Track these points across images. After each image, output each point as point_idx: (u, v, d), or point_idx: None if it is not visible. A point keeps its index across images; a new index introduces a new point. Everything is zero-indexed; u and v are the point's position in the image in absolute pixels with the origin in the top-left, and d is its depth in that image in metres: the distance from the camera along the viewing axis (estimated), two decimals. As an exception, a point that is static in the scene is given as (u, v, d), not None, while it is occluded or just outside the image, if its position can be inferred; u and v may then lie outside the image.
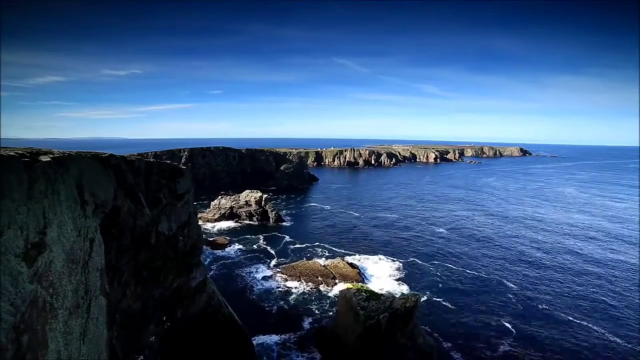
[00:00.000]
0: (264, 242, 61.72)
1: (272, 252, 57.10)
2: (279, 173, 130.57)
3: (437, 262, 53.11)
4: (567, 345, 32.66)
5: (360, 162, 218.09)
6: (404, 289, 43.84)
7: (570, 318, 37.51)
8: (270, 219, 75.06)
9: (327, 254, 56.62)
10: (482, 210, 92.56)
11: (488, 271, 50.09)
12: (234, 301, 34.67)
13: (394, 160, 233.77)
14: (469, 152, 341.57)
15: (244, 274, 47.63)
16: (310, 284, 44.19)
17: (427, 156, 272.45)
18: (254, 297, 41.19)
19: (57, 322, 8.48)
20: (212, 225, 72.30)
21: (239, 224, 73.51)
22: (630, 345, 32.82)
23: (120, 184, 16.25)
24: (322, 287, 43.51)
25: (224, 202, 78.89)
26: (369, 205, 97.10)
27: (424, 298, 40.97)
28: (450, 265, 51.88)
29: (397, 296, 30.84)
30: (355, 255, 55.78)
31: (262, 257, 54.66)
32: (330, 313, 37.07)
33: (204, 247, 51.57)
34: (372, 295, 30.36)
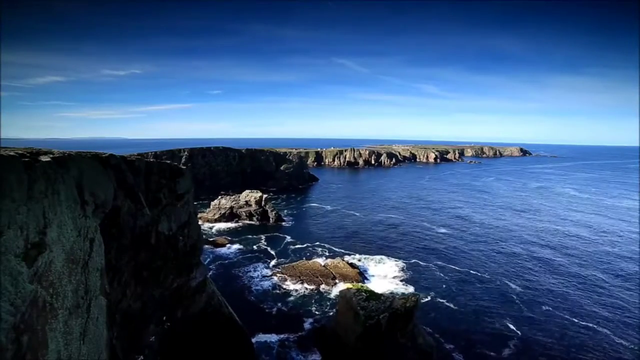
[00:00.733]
0: (264, 242, 61.71)
1: (272, 252, 57.10)
2: (279, 173, 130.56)
3: (437, 262, 53.10)
4: (570, 346, 32.50)
5: (360, 162, 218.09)
6: (404, 289, 43.83)
7: (575, 319, 37.28)
8: (270, 219, 75.06)
9: (327, 253, 56.61)
10: (482, 211, 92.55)
11: (489, 271, 50.09)
12: (234, 301, 34.69)
13: (394, 160, 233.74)
14: (469, 152, 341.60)
15: (244, 274, 47.63)
16: (310, 284, 44.18)
17: (427, 156, 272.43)
18: (254, 297, 41.19)
19: (57, 322, 8.48)
20: (212, 225, 72.29)
21: (239, 224, 73.50)
22: (633, 346, 32.74)
23: (120, 184, 16.25)
24: (322, 287, 43.50)
25: (224, 202, 78.87)
26: (369, 205, 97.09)
27: (425, 298, 40.97)
28: (451, 266, 51.87)
29: (397, 296, 30.84)
30: (355, 255, 55.77)
31: (262, 257, 54.66)
32: (330, 313, 37.07)
33: (204, 247, 51.57)
34: (372, 295, 30.35)
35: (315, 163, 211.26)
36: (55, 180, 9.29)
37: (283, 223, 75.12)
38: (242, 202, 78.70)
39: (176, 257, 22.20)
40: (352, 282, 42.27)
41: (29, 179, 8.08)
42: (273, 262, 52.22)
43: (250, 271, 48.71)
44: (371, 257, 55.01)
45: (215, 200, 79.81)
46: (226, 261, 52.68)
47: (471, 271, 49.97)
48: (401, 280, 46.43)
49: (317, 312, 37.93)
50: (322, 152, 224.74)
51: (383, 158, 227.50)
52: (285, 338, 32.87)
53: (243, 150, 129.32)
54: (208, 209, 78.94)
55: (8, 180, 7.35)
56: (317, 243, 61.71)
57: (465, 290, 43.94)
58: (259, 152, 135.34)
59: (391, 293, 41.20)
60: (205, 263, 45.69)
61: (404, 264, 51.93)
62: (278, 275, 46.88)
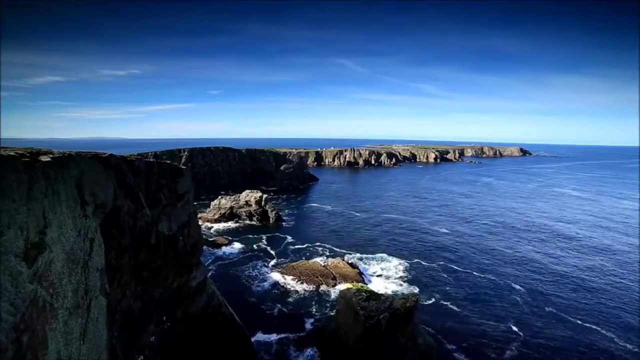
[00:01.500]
0: (264, 242, 61.71)
1: (272, 252, 57.10)
2: (279, 173, 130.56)
3: (438, 262, 53.11)
4: (573, 348, 32.28)
5: (360, 162, 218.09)
6: (404, 289, 43.83)
7: (579, 321, 37.07)
8: (270, 219, 75.05)
9: (327, 253, 56.61)
10: (483, 210, 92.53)
11: (489, 271, 50.08)
12: (234, 301, 34.67)
13: (394, 160, 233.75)
14: (469, 152, 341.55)
15: (244, 274, 47.62)
16: (310, 284, 44.17)
17: (427, 156, 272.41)
18: (254, 297, 41.18)
19: (57, 322, 8.48)
20: (212, 225, 72.29)
21: (239, 224, 73.51)
22: (638, 350, 32.54)
23: (120, 184, 16.24)
24: (322, 287, 43.50)
25: (224, 202, 78.88)
26: (369, 205, 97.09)
27: (426, 298, 40.96)
28: (452, 266, 51.87)
29: (397, 296, 30.84)
30: (355, 255, 55.77)
31: (262, 257, 54.66)
32: (331, 313, 37.07)
33: (204, 247, 51.56)
34: (372, 295, 30.35)
35: (315, 163, 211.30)
36: (55, 180, 9.28)
37: (283, 223, 75.12)
38: (242, 202, 78.70)
39: (176, 257, 22.19)
40: (352, 282, 42.26)
41: (29, 179, 8.08)
42: (273, 262, 52.22)
43: (250, 271, 48.71)
44: (371, 257, 55.01)
45: (215, 200, 79.81)
46: (226, 261, 52.68)
47: (472, 271, 49.97)
48: (401, 280, 46.43)
49: (317, 312, 37.92)
50: (322, 152, 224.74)
51: (383, 158, 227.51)
52: (285, 338, 32.87)
53: (243, 150, 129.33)
54: (208, 209, 78.95)
55: (8, 180, 7.35)
56: (317, 243, 61.71)
57: (466, 290, 43.93)
58: (259, 152, 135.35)
59: (391, 293, 41.24)
60: (205, 263, 45.71)
61: (404, 264, 51.93)
62: (278, 275, 46.88)
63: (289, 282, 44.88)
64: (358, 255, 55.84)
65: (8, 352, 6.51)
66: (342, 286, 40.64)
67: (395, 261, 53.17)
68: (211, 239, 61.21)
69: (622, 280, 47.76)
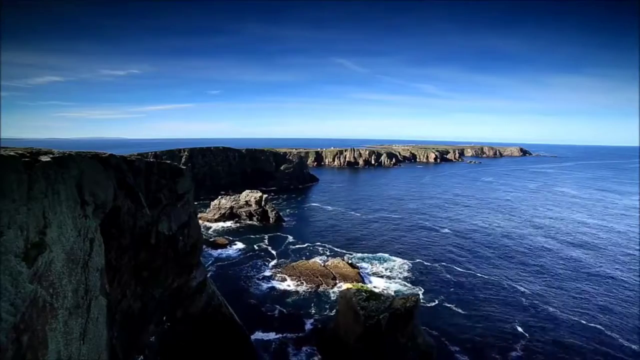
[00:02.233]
0: (264, 242, 61.71)
1: (273, 252, 57.09)
2: (279, 173, 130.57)
3: (439, 262, 53.10)
4: (576, 350, 32.00)
5: (360, 162, 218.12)
6: (405, 288, 43.82)
7: (583, 322, 36.81)
8: (271, 219, 75.04)
9: (327, 253, 56.61)
10: (483, 211, 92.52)
11: (490, 271, 50.08)
12: (234, 301, 34.68)
13: (394, 160, 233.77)
14: (469, 152, 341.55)
15: (244, 274, 47.63)
16: (310, 284, 44.17)
17: (427, 156, 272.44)
18: (254, 297, 41.18)
19: (57, 322, 8.48)
20: (212, 225, 72.29)
21: (239, 224, 73.50)
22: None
23: (120, 184, 16.24)
24: (322, 287, 43.49)
25: (224, 202, 78.88)
26: (369, 205, 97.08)
27: (427, 299, 40.95)
28: (453, 266, 51.85)
29: (397, 296, 30.85)
30: (355, 255, 55.77)
31: (262, 257, 54.65)
32: (330, 313, 37.06)
33: (204, 247, 51.58)
34: (372, 295, 30.34)
35: (315, 163, 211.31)
36: (55, 180, 9.29)
37: (283, 223, 75.12)
38: (242, 202, 78.71)
39: (176, 257, 22.19)
40: (352, 282, 42.25)
41: (29, 179, 8.08)
42: (273, 262, 52.22)
43: (250, 271, 48.71)
44: (371, 256, 55.00)
45: (215, 200, 79.82)
46: (226, 261, 52.68)
47: (473, 271, 49.95)
48: (401, 280, 46.42)
49: (317, 312, 37.91)
50: (322, 152, 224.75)
51: (383, 158, 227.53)
52: (285, 338, 32.86)
53: (243, 150, 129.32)
54: (208, 209, 78.95)
55: (8, 180, 7.35)
56: (317, 243, 61.71)
57: (467, 290, 43.90)
58: (259, 152, 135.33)
59: (391, 293, 41.25)
60: (205, 263, 45.75)
61: (404, 264, 51.92)
62: (278, 275, 46.87)
63: (289, 282, 44.88)
64: (358, 255, 55.84)
65: (8, 352, 6.52)
66: (342, 286, 40.65)
67: (395, 261, 53.16)
68: (211, 239, 61.21)
69: (625, 281, 47.73)
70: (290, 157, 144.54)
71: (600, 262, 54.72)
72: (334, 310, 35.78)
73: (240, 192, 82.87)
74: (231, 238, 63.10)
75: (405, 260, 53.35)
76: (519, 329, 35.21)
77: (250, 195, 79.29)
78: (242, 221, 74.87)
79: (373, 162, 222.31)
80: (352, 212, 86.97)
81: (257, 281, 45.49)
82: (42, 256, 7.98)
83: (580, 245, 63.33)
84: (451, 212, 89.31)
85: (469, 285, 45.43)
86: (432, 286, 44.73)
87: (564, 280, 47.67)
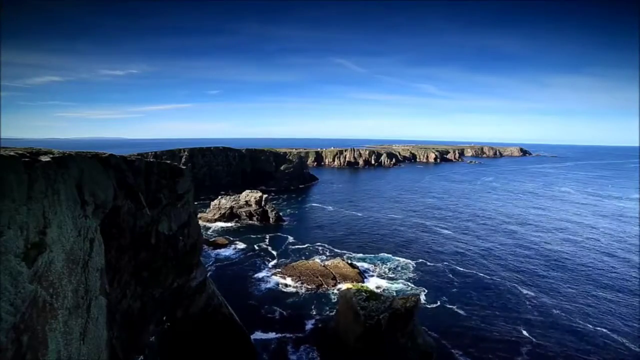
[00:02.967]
0: (264, 242, 61.71)
1: (273, 252, 57.09)
2: (279, 173, 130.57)
3: (440, 263, 53.08)
4: (580, 352, 31.75)
5: (360, 162, 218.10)
6: (405, 288, 43.81)
7: (589, 325, 36.37)
8: (271, 219, 75.04)
9: (327, 253, 56.60)
10: (483, 210, 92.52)
11: (491, 271, 50.07)
12: (234, 301, 34.65)
13: (394, 160, 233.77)
14: (469, 152, 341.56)
15: (244, 274, 47.62)
16: (310, 284, 44.16)
17: (427, 156, 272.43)
18: (254, 297, 41.17)
19: (57, 322, 8.48)
20: (212, 225, 72.28)
21: (239, 224, 73.49)
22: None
23: (120, 184, 16.24)
24: (322, 287, 43.48)
25: (224, 202, 78.87)
26: (369, 205, 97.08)
27: (427, 299, 40.95)
28: (453, 266, 51.84)
29: (397, 296, 30.84)
30: (355, 255, 55.76)
31: (262, 257, 54.65)
32: (330, 313, 37.04)
33: (204, 247, 51.59)
34: (372, 295, 30.35)
35: (315, 163, 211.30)
36: (55, 180, 9.29)
37: (283, 223, 75.12)
38: (242, 202, 78.70)
39: (176, 257, 22.20)
40: (352, 282, 42.27)
41: (29, 179, 8.08)
42: (273, 262, 52.22)
43: (250, 271, 48.71)
44: (371, 256, 55.00)
45: (215, 200, 79.80)
46: (226, 261, 52.68)
47: (474, 271, 49.95)
48: (402, 280, 46.41)
49: (317, 312, 37.90)
50: (322, 152, 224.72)
51: (383, 158, 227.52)
52: (285, 338, 32.85)
53: (243, 150, 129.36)
54: (208, 209, 78.94)
55: (8, 180, 7.35)
56: (317, 243, 61.70)
57: (468, 290, 43.88)
58: (259, 152, 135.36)
59: (391, 293, 41.26)
60: (205, 263, 45.70)
61: (405, 264, 51.92)
62: (278, 275, 46.87)
63: (289, 282, 44.87)
64: (358, 255, 55.83)
65: (8, 352, 6.52)
66: (342, 286, 40.66)
67: (395, 261, 53.17)
68: (211, 239, 61.19)
69: (628, 282, 47.70)
70: (290, 157, 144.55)
71: (603, 263, 54.69)
72: (334, 310, 35.77)
73: (240, 192, 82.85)
74: (231, 238, 63.10)
75: (406, 260, 53.35)
76: (523, 332, 34.79)
77: (250, 195, 79.29)
78: (242, 221, 74.86)
79: (373, 162, 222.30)
80: (352, 212, 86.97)
81: (257, 281, 45.48)
82: (42, 256, 7.98)
83: (582, 246, 63.29)
84: (451, 212, 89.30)
85: (470, 284, 45.42)
86: (433, 286, 44.70)
87: (566, 281, 47.60)
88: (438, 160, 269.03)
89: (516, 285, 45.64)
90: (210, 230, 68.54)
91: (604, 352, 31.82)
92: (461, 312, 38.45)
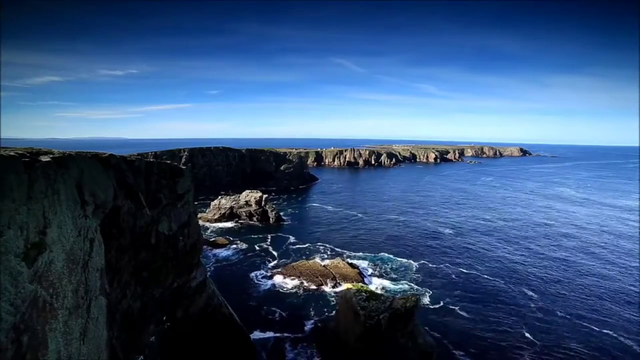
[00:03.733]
0: (264, 242, 61.71)
1: (273, 252, 57.09)
2: (279, 173, 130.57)
3: (440, 263, 53.06)
4: (582, 354, 31.62)
5: (360, 162, 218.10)
6: (405, 288, 43.82)
7: (594, 327, 36.18)
8: (271, 219, 75.04)
9: (327, 253, 56.60)
10: (484, 211, 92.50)
11: (491, 272, 50.06)
12: (234, 301, 34.67)
13: (394, 160, 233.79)
14: (469, 152, 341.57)
15: (244, 274, 47.62)
16: (310, 284, 44.16)
17: (427, 156, 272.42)
18: (254, 297, 41.18)
19: (57, 322, 8.48)
20: (212, 225, 72.28)
21: (239, 224, 73.49)
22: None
23: (120, 184, 16.24)
24: (322, 287, 43.48)
25: (224, 202, 78.86)
26: (369, 205, 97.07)
27: (427, 300, 40.92)
28: (454, 266, 51.82)
29: (397, 296, 30.84)
30: (355, 255, 55.76)
31: (262, 257, 54.65)
32: (330, 313, 37.05)
33: (204, 247, 51.57)
34: (372, 295, 30.34)
35: (315, 163, 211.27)
36: (55, 180, 9.29)
37: (283, 223, 75.12)
38: (242, 202, 78.70)
39: (176, 257, 22.19)
40: (352, 282, 42.24)
41: (29, 179, 8.08)
42: (273, 262, 52.22)
43: (250, 271, 48.71)
44: (372, 257, 54.99)
45: (215, 200, 79.80)
46: (226, 261, 52.67)
47: (475, 271, 49.93)
48: (402, 280, 46.41)
49: (317, 312, 37.90)
50: (322, 152, 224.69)
51: (383, 158, 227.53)
52: (285, 338, 32.86)
53: (243, 150, 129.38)
54: (208, 209, 78.93)
55: (8, 180, 7.35)
56: (317, 243, 61.70)
57: (469, 291, 43.87)
58: (259, 152, 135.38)
59: (392, 293, 41.24)
60: (206, 263, 45.70)
61: (405, 264, 51.91)
62: (278, 275, 46.86)
63: (289, 282, 44.87)
64: (358, 255, 55.83)
65: (8, 352, 6.52)
66: (342, 286, 40.66)
67: (395, 261, 53.16)
68: (211, 239, 61.19)
69: (628, 282, 47.68)
70: (290, 157, 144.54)
71: (605, 264, 54.67)
72: (334, 311, 35.76)
73: (240, 192, 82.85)
74: (231, 238, 63.09)
75: (406, 260, 53.35)
76: (525, 333, 34.55)
77: (250, 195, 79.28)
78: (242, 221, 74.86)
79: (373, 162, 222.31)
80: (352, 212, 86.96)
81: (257, 281, 45.48)
82: (42, 256, 7.98)
83: (584, 248, 63.24)
84: (451, 212, 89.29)
85: (470, 285, 45.40)
86: (433, 287, 44.69)
87: (569, 283, 47.45)
88: (438, 160, 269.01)
89: (518, 286, 45.63)
90: (210, 230, 68.54)
91: (606, 354, 31.78)
92: (462, 312, 38.45)
